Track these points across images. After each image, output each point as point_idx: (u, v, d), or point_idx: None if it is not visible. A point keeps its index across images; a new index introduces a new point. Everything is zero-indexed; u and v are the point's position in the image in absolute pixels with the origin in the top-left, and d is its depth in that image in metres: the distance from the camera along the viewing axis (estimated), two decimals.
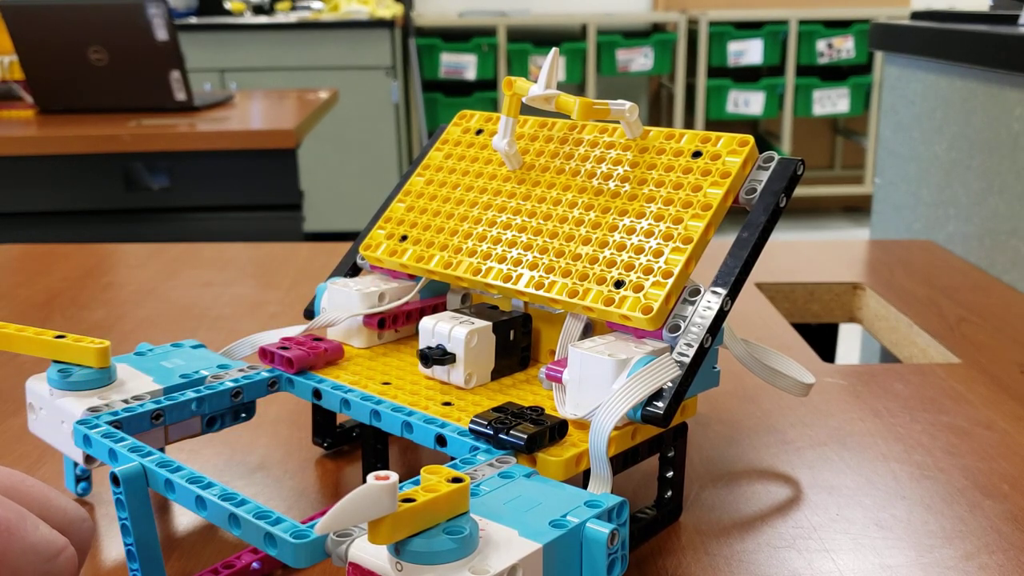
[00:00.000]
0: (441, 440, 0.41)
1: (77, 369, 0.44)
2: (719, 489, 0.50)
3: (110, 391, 0.44)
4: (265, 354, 0.48)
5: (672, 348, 0.42)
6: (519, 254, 0.47)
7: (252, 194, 1.62)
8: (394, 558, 0.29)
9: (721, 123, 3.81)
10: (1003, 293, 0.84)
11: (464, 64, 3.69)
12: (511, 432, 0.38)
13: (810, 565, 0.43)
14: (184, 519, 0.47)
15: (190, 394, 0.45)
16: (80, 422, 0.41)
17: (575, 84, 3.74)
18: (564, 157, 0.50)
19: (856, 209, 4.14)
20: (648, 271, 0.43)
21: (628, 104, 0.46)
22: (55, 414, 0.44)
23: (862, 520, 0.47)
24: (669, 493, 0.46)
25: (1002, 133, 0.96)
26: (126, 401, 0.43)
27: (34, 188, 1.58)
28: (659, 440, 0.44)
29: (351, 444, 0.55)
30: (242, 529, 0.33)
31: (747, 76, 3.80)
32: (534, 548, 0.31)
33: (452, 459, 0.39)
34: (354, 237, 0.68)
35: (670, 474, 0.46)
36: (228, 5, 3.63)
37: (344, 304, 0.51)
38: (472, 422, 0.40)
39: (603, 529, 0.32)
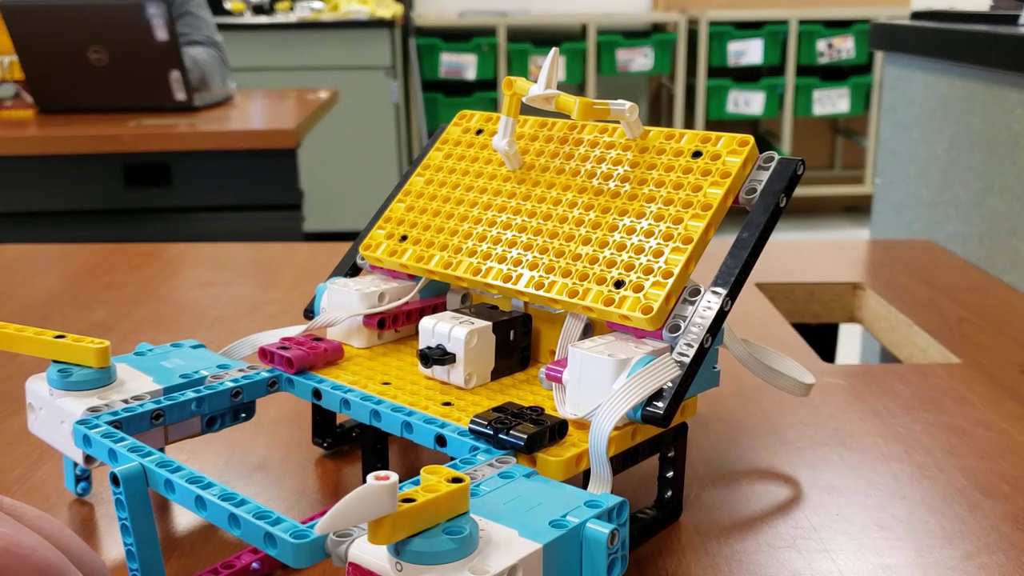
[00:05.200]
0: (441, 440, 0.41)
1: (77, 369, 0.44)
2: (719, 489, 0.50)
3: (110, 391, 0.44)
4: (265, 354, 0.48)
5: (672, 348, 0.42)
6: (519, 254, 0.47)
7: (252, 194, 1.62)
8: (394, 558, 0.29)
9: (721, 123, 3.80)
10: (1003, 293, 0.84)
11: (464, 64, 3.69)
12: (511, 432, 0.38)
13: (810, 565, 0.43)
14: (184, 519, 0.47)
15: (190, 394, 0.45)
16: (80, 422, 0.41)
17: (575, 84, 3.73)
18: (564, 157, 0.50)
19: (856, 209, 4.14)
20: (648, 271, 0.43)
21: (628, 104, 0.46)
22: (55, 414, 0.44)
23: (862, 520, 0.47)
24: (669, 493, 0.46)
25: (1002, 133, 0.96)
26: (126, 401, 0.43)
27: (34, 188, 1.58)
28: (659, 440, 0.44)
29: (351, 444, 0.55)
30: (242, 529, 0.33)
31: (747, 76, 3.80)
32: (534, 548, 0.31)
33: (452, 459, 0.39)
34: (354, 237, 0.68)
35: (670, 474, 0.46)
36: (228, 5, 3.63)
37: (344, 304, 0.51)
38: (472, 422, 0.40)
39: (603, 529, 0.32)
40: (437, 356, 0.45)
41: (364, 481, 0.28)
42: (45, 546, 0.32)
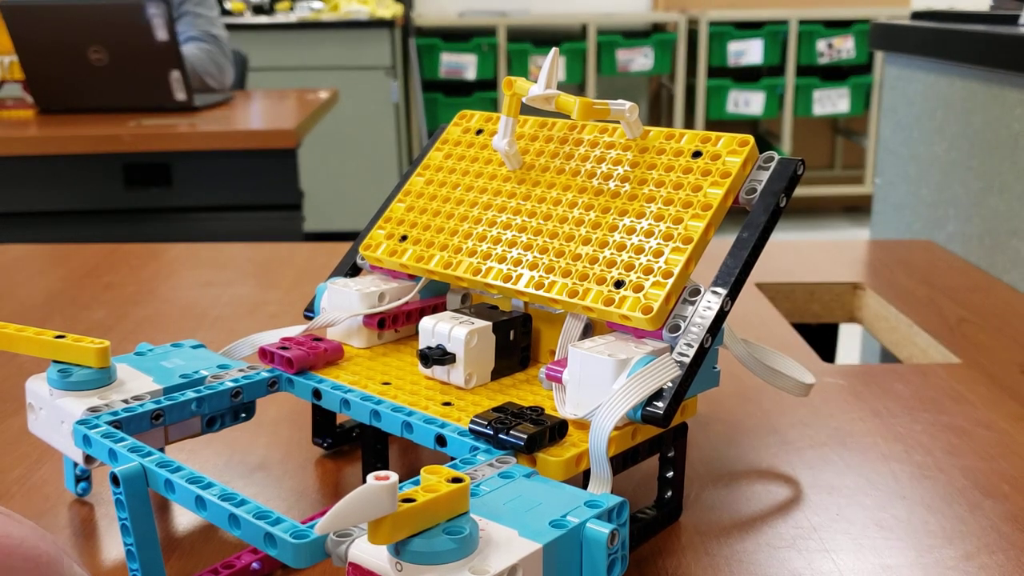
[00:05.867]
0: (441, 440, 0.41)
1: (77, 369, 0.44)
2: (719, 489, 0.50)
3: (110, 391, 0.44)
4: (265, 354, 0.48)
5: (672, 348, 0.42)
6: (519, 254, 0.47)
7: (252, 194, 1.62)
8: (394, 558, 0.29)
9: (721, 123, 3.80)
10: (1003, 293, 0.84)
11: (464, 64, 3.69)
12: (511, 432, 0.38)
13: (810, 565, 0.43)
14: (184, 519, 0.47)
15: (190, 394, 0.45)
16: (80, 422, 0.41)
17: (575, 84, 3.73)
18: (564, 157, 0.50)
19: (856, 209, 4.14)
20: (648, 271, 0.43)
21: (628, 104, 0.46)
22: (55, 414, 0.44)
23: (862, 520, 0.47)
24: (669, 493, 0.46)
25: (1002, 133, 0.96)
26: (126, 401, 0.43)
27: (34, 188, 1.58)
28: (659, 440, 0.44)
29: (351, 444, 0.55)
30: (242, 529, 0.33)
31: (747, 76, 3.80)
32: (534, 548, 0.31)
33: (452, 459, 0.39)
34: (354, 237, 0.68)
35: (670, 474, 0.46)
36: (228, 5, 3.63)
37: (344, 304, 0.51)
38: (472, 422, 0.40)
39: (603, 529, 0.32)
40: (437, 356, 0.45)
41: (364, 481, 0.28)
42: (37, 535, 0.31)
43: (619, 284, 0.43)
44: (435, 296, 0.54)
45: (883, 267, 0.92)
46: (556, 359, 0.44)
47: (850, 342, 1.32)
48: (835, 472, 0.52)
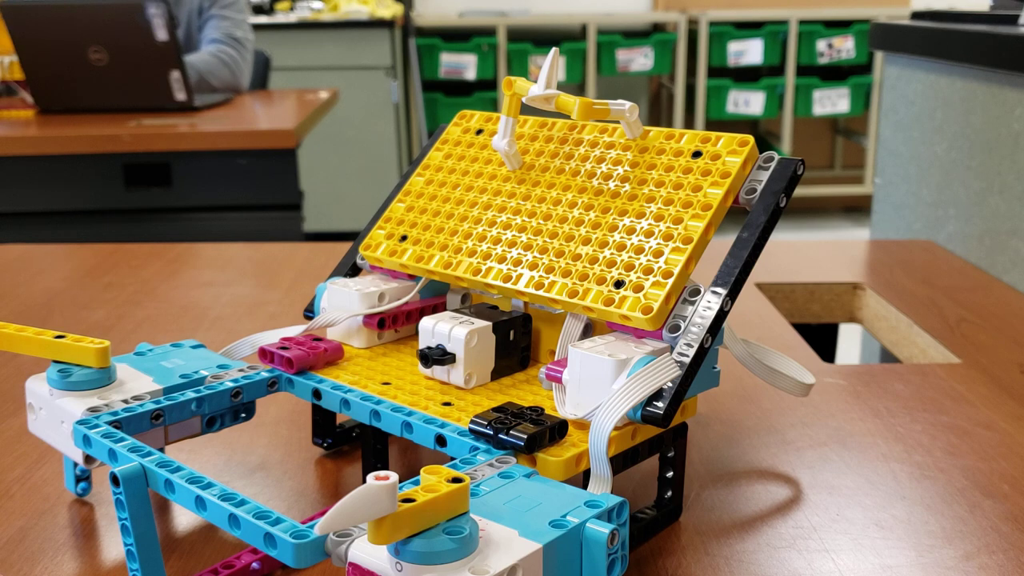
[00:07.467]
0: (441, 440, 0.41)
1: (77, 369, 0.44)
2: (719, 489, 0.50)
3: (110, 391, 0.44)
4: (265, 354, 0.48)
5: (672, 348, 0.42)
6: (519, 254, 0.47)
7: (252, 194, 1.62)
8: (394, 558, 0.29)
9: (721, 123, 3.80)
10: (1003, 293, 0.84)
11: (464, 64, 3.68)
12: (511, 432, 0.38)
13: (810, 565, 0.43)
14: (184, 519, 0.47)
15: (190, 394, 0.45)
16: (80, 422, 0.41)
17: (575, 84, 3.73)
18: (564, 157, 0.50)
19: (856, 209, 4.14)
20: (648, 271, 0.43)
21: (628, 104, 0.46)
22: (55, 414, 0.44)
23: (862, 520, 0.47)
24: (669, 493, 0.46)
25: (1002, 133, 0.96)
26: (126, 401, 0.43)
27: (34, 188, 1.58)
28: (659, 440, 0.44)
29: (351, 444, 0.55)
30: (242, 529, 0.33)
31: (747, 76, 3.80)
32: (534, 548, 0.31)
33: (452, 459, 0.39)
34: (354, 237, 0.68)
35: (670, 474, 0.46)
36: None
37: (344, 304, 0.51)
38: (472, 422, 0.40)
39: (603, 529, 0.32)
40: (437, 356, 0.45)
41: (364, 481, 0.28)
42: None
43: (619, 284, 0.43)
44: (435, 296, 0.54)
45: (883, 267, 0.92)
46: (556, 359, 0.44)
47: (850, 342, 1.32)
48: (835, 472, 0.52)
